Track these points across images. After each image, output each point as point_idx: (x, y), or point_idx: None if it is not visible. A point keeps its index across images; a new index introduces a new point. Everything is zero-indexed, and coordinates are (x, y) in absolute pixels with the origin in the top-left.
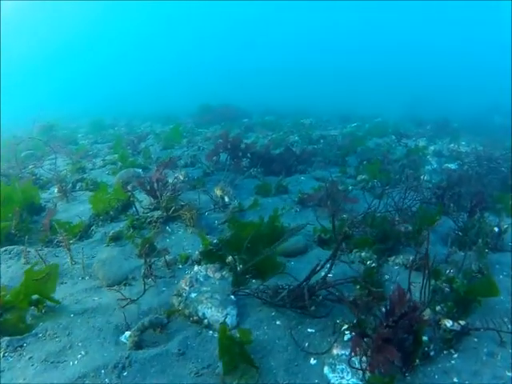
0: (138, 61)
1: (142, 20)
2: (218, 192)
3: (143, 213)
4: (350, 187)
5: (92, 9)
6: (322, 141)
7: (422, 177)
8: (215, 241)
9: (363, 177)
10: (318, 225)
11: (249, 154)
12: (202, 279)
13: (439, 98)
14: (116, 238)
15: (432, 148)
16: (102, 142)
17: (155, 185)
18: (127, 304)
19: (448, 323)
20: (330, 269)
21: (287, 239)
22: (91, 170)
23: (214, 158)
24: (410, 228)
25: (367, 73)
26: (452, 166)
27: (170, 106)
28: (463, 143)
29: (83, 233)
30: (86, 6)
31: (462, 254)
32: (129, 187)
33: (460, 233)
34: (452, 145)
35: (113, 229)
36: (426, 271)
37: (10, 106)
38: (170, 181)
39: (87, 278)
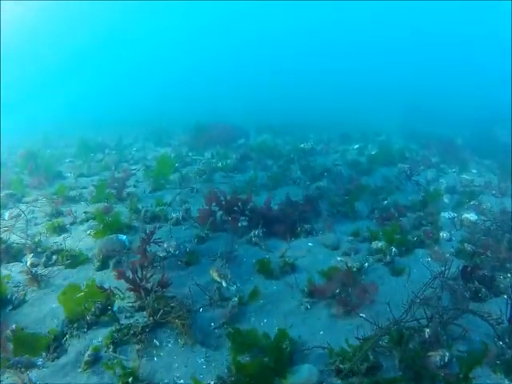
0: (136, 71)
1: (143, 27)
2: (215, 275)
3: (126, 316)
4: (366, 264)
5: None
6: (325, 174)
7: (441, 234)
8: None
9: (379, 244)
10: (334, 339)
11: (247, 212)
12: None
13: (439, 104)
14: (93, 362)
15: (443, 182)
16: (88, 174)
17: (139, 272)
18: None
19: None
20: None
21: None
22: (72, 225)
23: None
24: (448, 355)
25: (365, 79)
26: (471, 216)
27: (166, 113)
28: (474, 171)
29: (56, 343)
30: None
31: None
32: (111, 264)
33: (501, 342)
34: (463, 175)
35: (91, 341)
36: None
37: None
38: (159, 252)
39: None
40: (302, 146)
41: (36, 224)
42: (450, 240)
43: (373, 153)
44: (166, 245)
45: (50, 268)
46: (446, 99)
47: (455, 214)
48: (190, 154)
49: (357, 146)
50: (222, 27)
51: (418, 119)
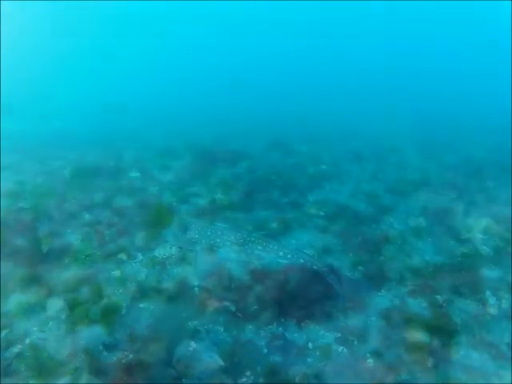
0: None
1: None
2: None
3: None
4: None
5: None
6: (341, 212)
7: (487, 308)
8: None
9: (417, 336)
10: None
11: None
12: None
13: (448, 108)
14: None
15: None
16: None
17: None
18: None
19: None
20: None
21: None
22: (47, 297)
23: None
24: None
25: (373, 85)
26: None
27: (164, 123)
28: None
29: None
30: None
31: None
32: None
33: None
34: (494, 206)
35: None
36: None
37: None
38: None
39: None
40: (313, 171)
41: (6, 295)
42: (498, 315)
43: (389, 177)
44: None
45: (10, 379)
46: (454, 103)
47: (499, 273)
48: (191, 182)
49: (371, 168)
50: (222, 39)
51: (428, 125)
